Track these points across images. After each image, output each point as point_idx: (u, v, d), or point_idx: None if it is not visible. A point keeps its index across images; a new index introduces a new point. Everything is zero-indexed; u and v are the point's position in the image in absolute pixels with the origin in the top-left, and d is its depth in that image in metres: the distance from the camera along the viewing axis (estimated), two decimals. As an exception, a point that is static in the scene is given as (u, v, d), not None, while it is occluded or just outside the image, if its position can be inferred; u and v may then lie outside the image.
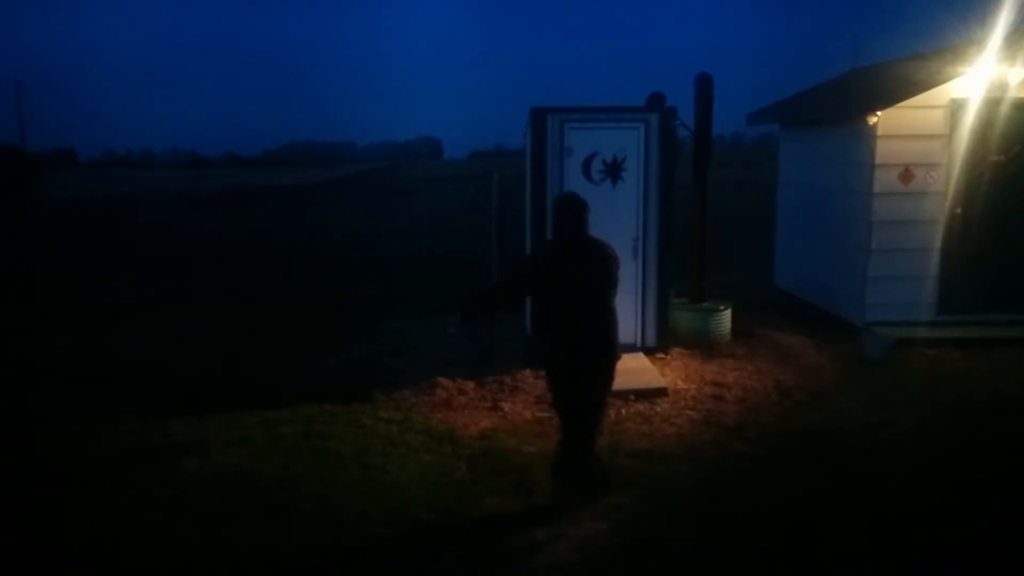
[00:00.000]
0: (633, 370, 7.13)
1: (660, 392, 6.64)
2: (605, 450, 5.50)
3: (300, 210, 26.47)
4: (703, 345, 7.88)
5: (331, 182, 41.81)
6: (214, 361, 8.05)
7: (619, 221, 7.66)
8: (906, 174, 8.04)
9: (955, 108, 7.92)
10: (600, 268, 4.67)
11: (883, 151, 7.99)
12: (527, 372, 7.12)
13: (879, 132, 7.92)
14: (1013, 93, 7.79)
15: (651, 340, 7.76)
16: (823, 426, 5.99)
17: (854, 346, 7.84)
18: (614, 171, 7.66)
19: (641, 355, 7.55)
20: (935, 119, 7.97)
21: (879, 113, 7.83)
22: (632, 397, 6.52)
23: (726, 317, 8.12)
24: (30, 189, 36.25)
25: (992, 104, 7.84)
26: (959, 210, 8.09)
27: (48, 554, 4.35)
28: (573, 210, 4.68)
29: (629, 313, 7.73)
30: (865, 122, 7.94)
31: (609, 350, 4.67)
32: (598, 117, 7.75)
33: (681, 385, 6.88)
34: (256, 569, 4.16)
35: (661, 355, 7.65)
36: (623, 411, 6.28)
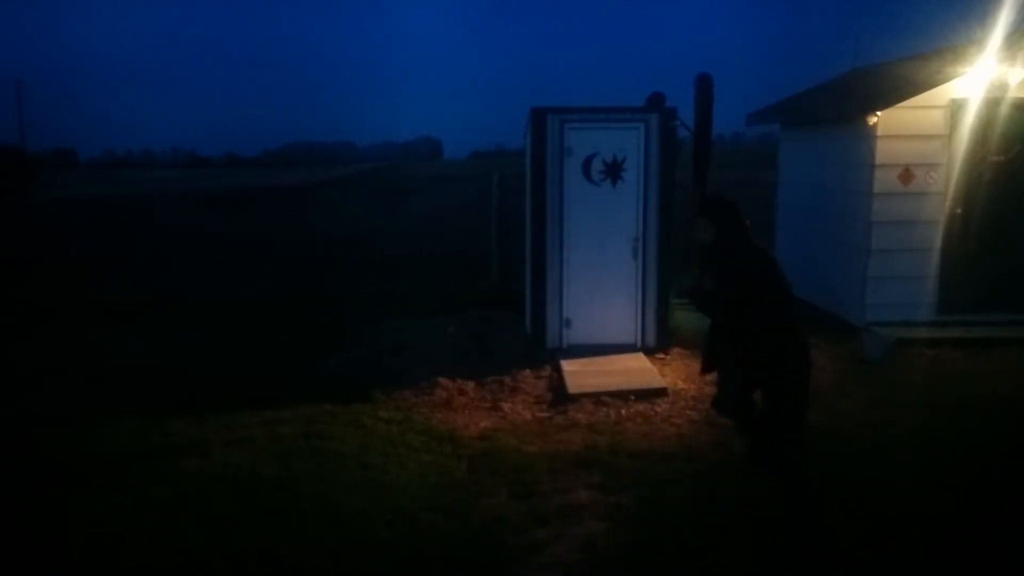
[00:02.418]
0: (633, 370, 7.15)
1: (660, 392, 6.64)
2: (605, 450, 5.51)
3: (300, 210, 26.42)
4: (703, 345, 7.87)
5: (331, 182, 41.78)
6: (214, 361, 8.04)
7: (619, 221, 7.68)
8: (906, 174, 8.05)
9: (955, 108, 7.93)
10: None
11: (883, 151, 8.00)
12: (527, 372, 7.13)
13: (879, 132, 7.93)
14: (1013, 93, 7.79)
15: (651, 340, 7.76)
16: (823, 426, 5.97)
17: (854, 346, 7.84)
18: (614, 171, 7.66)
19: (641, 355, 7.55)
20: (935, 119, 7.98)
21: (879, 113, 7.84)
22: (632, 397, 6.52)
23: (726, 317, 8.10)
24: (30, 189, 36.20)
25: (992, 104, 7.85)
26: (959, 210, 8.09)
27: (48, 554, 4.35)
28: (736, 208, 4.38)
29: (629, 313, 7.75)
30: (865, 122, 7.95)
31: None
32: (598, 117, 7.76)
33: (681, 385, 6.88)
34: (256, 569, 4.15)
35: (661, 355, 7.65)
36: (623, 411, 6.29)
